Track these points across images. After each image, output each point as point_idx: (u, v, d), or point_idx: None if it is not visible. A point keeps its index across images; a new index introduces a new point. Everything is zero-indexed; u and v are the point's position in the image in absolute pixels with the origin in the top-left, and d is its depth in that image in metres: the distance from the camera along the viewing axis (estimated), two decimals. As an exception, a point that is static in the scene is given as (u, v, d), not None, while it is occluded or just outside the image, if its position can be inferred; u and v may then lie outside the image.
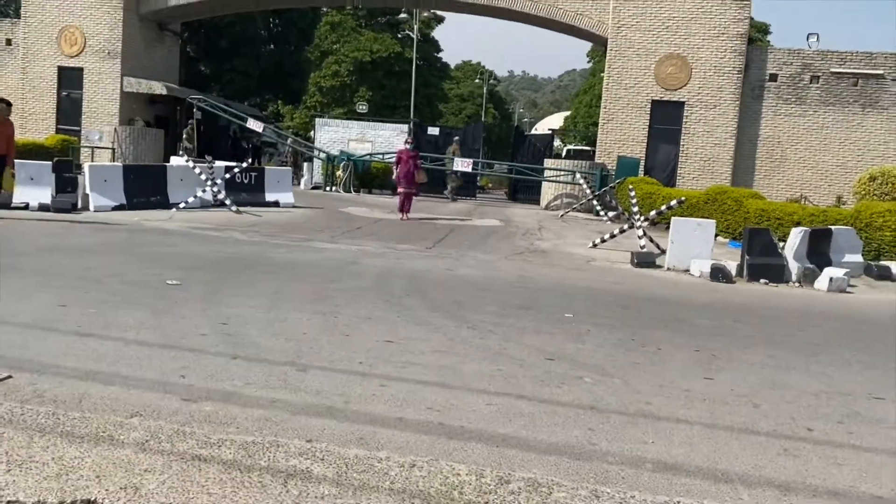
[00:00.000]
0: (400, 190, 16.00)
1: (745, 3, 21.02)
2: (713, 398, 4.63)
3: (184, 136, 24.57)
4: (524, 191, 26.01)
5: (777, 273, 10.50)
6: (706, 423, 4.15)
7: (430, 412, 3.98)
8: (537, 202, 23.51)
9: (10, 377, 4.01)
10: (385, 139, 25.50)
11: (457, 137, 25.35)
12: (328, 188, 23.57)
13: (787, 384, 5.10)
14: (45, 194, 13.05)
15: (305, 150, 25.92)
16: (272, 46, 36.99)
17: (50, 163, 13.65)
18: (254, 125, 24.08)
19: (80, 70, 24.63)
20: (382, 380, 4.46)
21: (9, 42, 25.77)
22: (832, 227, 11.90)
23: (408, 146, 16.28)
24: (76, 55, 24.60)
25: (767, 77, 21.48)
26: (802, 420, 4.34)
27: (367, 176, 24.10)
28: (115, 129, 24.19)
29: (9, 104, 11.59)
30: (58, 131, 24.57)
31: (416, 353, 5.14)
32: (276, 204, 16.63)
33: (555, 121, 79.64)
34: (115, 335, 5.04)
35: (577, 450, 3.62)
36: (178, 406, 3.81)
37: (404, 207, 15.80)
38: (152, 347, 4.81)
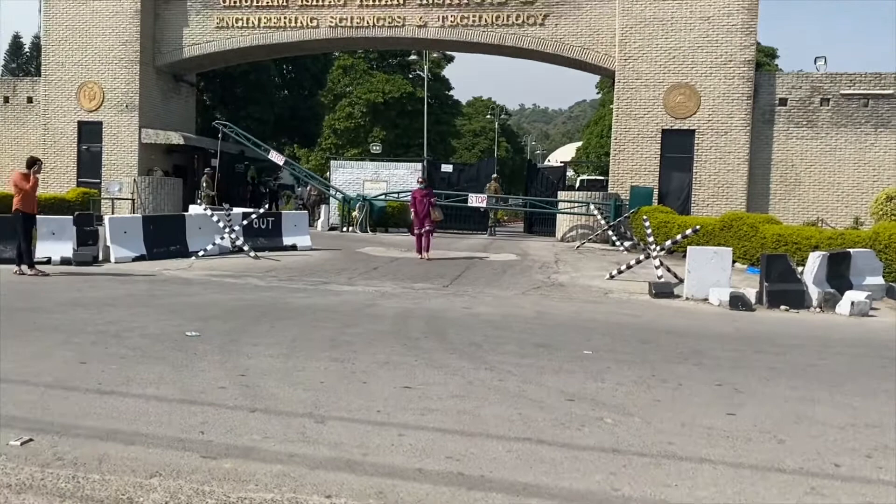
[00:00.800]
0: (416, 231, 15.98)
1: (751, 29, 21.16)
2: (737, 435, 4.57)
3: (202, 183, 24.93)
4: (539, 223, 26.02)
5: (797, 299, 10.38)
6: (731, 463, 4.09)
7: (449, 462, 3.95)
8: (553, 234, 23.52)
9: (31, 440, 4.05)
10: (400, 178, 25.72)
11: (495, 175, 25.56)
12: (345, 229, 23.75)
13: (811, 417, 5.02)
14: (66, 248, 13.27)
15: (323, 189, 26.20)
16: (286, 92, 37.65)
17: (70, 217, 13.89)
18: (275, 157, 24.50)
19: (100, 124, 25.19)
20: (401, 429, 4.45)
21: (30, 100, 26.45)
22: (851, 250, 11.78)
23: (420, 185, 16.33)
24: (95, 109, 25.18)
25: (777, 101, 21.50)
26: (829, 455, 4.26)
27: (382, 215, 24.29)
28: (135, 179, 24.62)
29: (40, 161, 12.06)
30: (79, 184, 25.05)
31: (434, 399, 5.12)
32: (293, 247, 16.77)
33: (567, 152, 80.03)
34: (135, 392, 5.08)
35: (600, 496, 3.57)
36: (197, 464, 3.82)
37: (422, 247, 15.69)
38: (171, 403, 4.84)
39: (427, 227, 15.70)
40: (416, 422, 4.60)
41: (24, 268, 11.46)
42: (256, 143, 24.84)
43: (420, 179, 16.69)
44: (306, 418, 4.60)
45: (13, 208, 11.49)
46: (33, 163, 11.73)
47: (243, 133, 24.63)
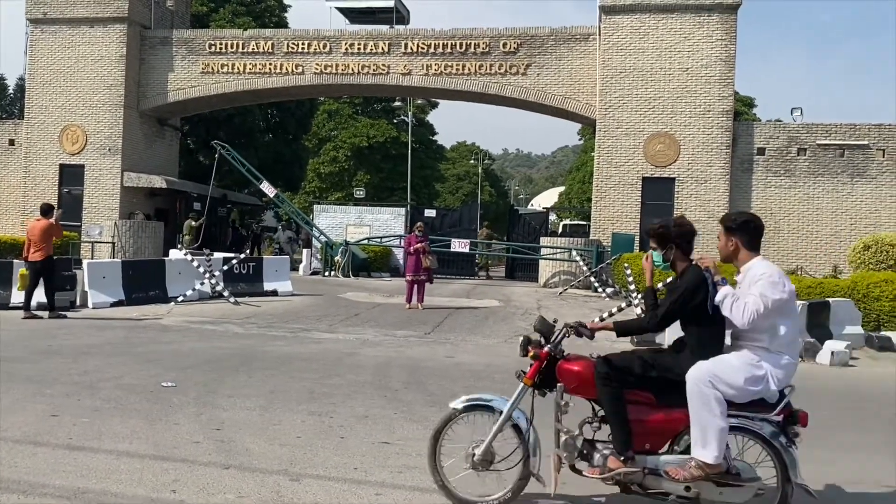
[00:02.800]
0: (409, 277, 15.27)
1: (729, 81, 21.63)
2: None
3: (185, 229, 24.78)
4: (522, 268, 26.03)
5: (778, 349, 10.40)
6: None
7: (426, 522, 3.88)
8: (536, 279, 23.57)
9: (-4, 501, 3.93)
10: (383, 222, 25.78)
11: (486, 223, 25.75)
12: (327, 273, 23.66)
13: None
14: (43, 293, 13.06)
15: (308, 230, 26.15)
16: (271, 136, 37.78)
17: (49, 262, 13.70)
18: (267, 189, 24.41)
19: (82, 167, 25.10)
20: (378, 487, 4.37)
21: (11, 142, 26.34)
22: (830, 300, 11.89)
23: (417, 233, 15.45)
24: (77, 153, 25.12)
25: (756, 151, 21.88)
26: (810, 514, 4.22)
27: (365, 260, 24.27)
28: (116, 223, 24.46)
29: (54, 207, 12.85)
30: (58, 227, 24.81)
31: (412, 455, 5.04)
32: (274, 293, 16.65)
33: (550, 196, 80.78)
34: (106, 447, 4.97)
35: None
36: (167, 526, 3.71)
37: (415, 295, 15.01)
38: (144, 459, 4.73)
39: (421, 275, 15.08)
40: (393, 480, 4.52)
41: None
42: (251, 169, 24.78)
43: (419, 227, 15.75)
44: (281, 476, 4.51)
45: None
46: (49, 210, 12.47)
47: (239, 158, 24.59)
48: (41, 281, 12.14)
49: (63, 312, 12.35)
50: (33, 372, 7.47)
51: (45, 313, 12.11)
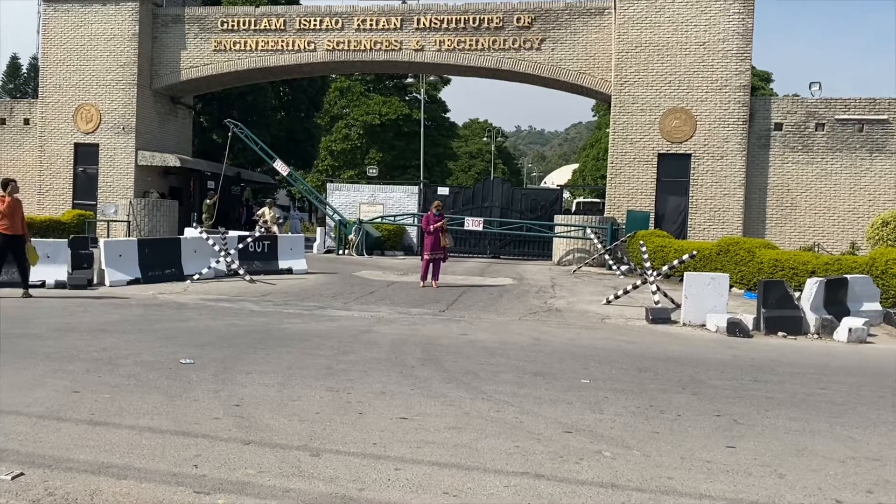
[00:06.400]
0: (426, 256, 15.09)
1: (746, 55, 21.33)
2: (736, 469, 4.52)
3: (203, 207, 24.87)
4: (535, 246, 25.54)
5: (794, 325, 10.37)
6: (730, 498, 4.04)
7: (446, 497, 3.90)
8: (549, 258, 23.50)
9: (22, 474, 3.98)
10: (396, 201, 25.76)
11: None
12: (341, 252, 23.72)
13: (811, 450, 4.97)
14: (61, 271, 13.19)
15: (322, 209, 26.16)
16: (283, 114, 37.73)
17: (65, 241, 13.82)
18: (280, 167, 24.44)
19: (96, 146, 25.22)
20: (397, 462, 4.39)
21: (27, 122, 26.49)
22: (848, 276, 11.78)
23: (435, 212, 15.23)
24: (92, 132, 25.22)
25: (773, 126, 21.64)
26: (830, 490, 4.22)
27: (378, 239, 24.29)
28: (130, 202, 24.60)
29: (13, 181, 11.81)
30: (74, 206, 25.01)
31: (430, 431, 5.07)
32: (289, 271, 16.72)
33: (564, 174, 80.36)
34: (128, 423, 5.02)
35: (599, 534, 3.52)
36: (190, 500, 3.75)
37: (430, 273, 14.90)
38: (165, 435, 4.78)
39: (438, 254, 14.97)
40: (412, 455, 4.54)
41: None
42: (264, 148, 24.82)
43: (437, 205, 15.48)
44: (301, 451, 4.54)
45: None
46: (6, 185, 11.61)
47: (252, 136, 24.61)
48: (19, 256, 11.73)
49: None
50: (53, 349, 7.55)
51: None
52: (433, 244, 14.91)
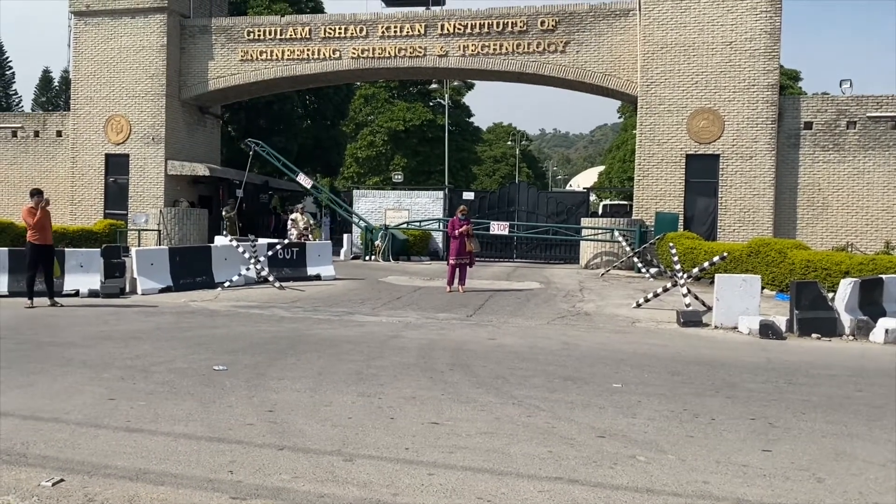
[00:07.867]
0: (451, 261, 15.06)
1: (774, 54, 21.07)
2: (773, 473, 4.46)
3: (223, 213, 25.15)
4: (561, 249, 25.32)
5: (829, 327, 10.20)
6: (769, 503, 3.98)
7: (480, 502, 3.89)
8: (576, 261, 23.37)
9: (62, 481, 4.05)
10: (422, 206, 25.80)
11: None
12: (367, 258, 23.81)
13: (851, 454, 4.88)
14: (94, 280, 13.41)
15: (346, 217, 26.34)
16: (309, 122, 38.03)
17: (98, 250, 14.04)
18: (303, 180, 24.66)
19: (126, 156, 25.62)
20: (430, 467, 4.39)
21: (59, 133, 27.01)
22: (883, 276, 11.56)
23: (461, 216, 15.20)
24: (122, 142, 25.63)
25: (802, 125, 21.33)
26: (871, 495, 4.14)
27: (405, 244, 24.35)
28: (161, 211, 24.93)
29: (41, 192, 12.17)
30: (105, 216, 25.42)
31: (462, 436, 5.06)
32: (317, 277, 16.82)
33: (589, 176, 79.95)
34: (163, 429, 5.08)
35: (635, 539, 3.49)
36: (227, 505, 3.79)
37: (454, 279, 14.89)
38: (200, 441, 4.83)
39: (464, 259, 14.93)
40: (444, 460, 4.54)
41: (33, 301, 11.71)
42: (286, 163, 25.06)
43: (462, 209, 15.42)
44: (335, 456, 4.56)
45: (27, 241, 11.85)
46: (33, 195, 11.95)
47: (274, 153, 24.86)
48: (47, 266, 12.10)
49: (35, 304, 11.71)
50: (88, 357, 7.68)
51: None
52: (459, 249, 14.91)
